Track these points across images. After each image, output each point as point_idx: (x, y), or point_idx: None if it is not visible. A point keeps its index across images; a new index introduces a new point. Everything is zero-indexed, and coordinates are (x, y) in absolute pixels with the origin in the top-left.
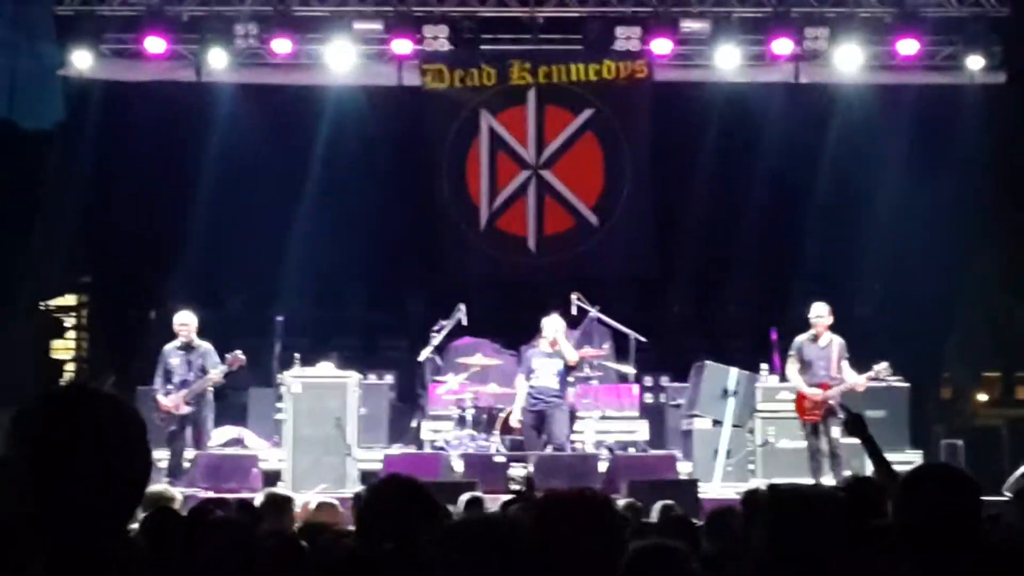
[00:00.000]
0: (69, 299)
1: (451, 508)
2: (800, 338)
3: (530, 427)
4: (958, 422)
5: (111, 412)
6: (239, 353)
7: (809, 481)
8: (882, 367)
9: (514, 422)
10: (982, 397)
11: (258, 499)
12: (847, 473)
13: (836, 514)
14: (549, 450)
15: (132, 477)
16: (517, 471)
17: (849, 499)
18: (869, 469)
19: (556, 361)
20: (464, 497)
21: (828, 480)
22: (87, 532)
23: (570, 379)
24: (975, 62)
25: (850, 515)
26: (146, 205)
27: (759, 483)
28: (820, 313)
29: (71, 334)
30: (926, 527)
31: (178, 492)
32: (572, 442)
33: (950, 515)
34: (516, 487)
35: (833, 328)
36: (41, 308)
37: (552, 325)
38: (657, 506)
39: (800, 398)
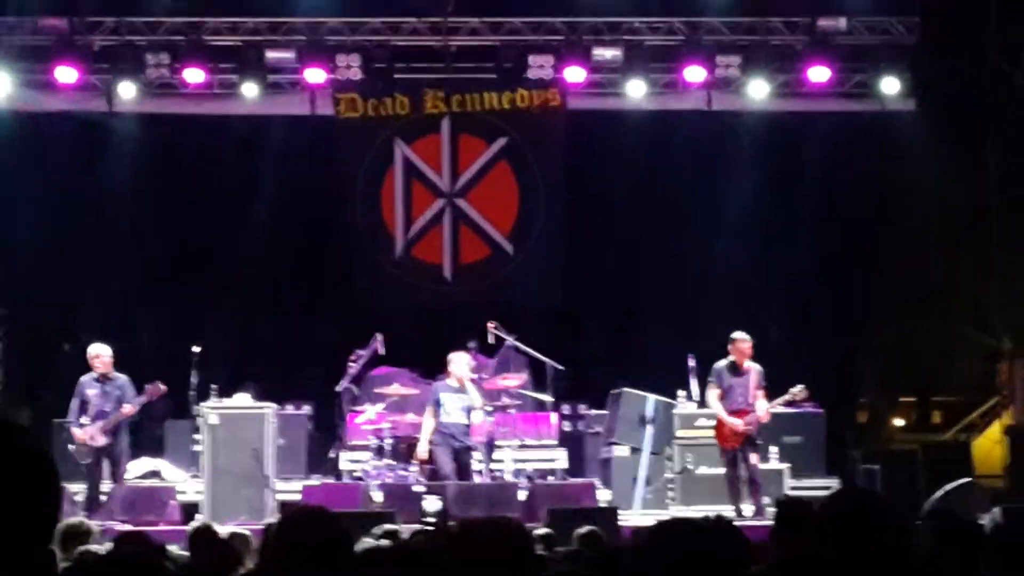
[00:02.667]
0: None
1: (368, 540)
2: (719, 365)
3: (445, 458)
4: (874, 447)
5: (14, 442)
6: (159, 383)
7: (728, 508)
8: (798, 389)
9: (422, 454)
10: (898, 422)
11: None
12: (766, 500)
13: (730, 543)
14: (480, 478)
15: (38, 508)
16: (432, 503)
17: (777, 521)
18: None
19: (463, 397)
20: (379, 529)
21: (747, 507)
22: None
23: (474, 418)
24: (889, 86)
25: (773, 539)
26: (58, 236)
27: (678, 511)
28: (745, 345)
29: None
30: (848, 552)
31: (95, 524)
32: (491, 471)
33: (870, 540)
34: (430, 520)
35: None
36: None
37: (459, 362)
38: (576, 533)
39: (720, 425)
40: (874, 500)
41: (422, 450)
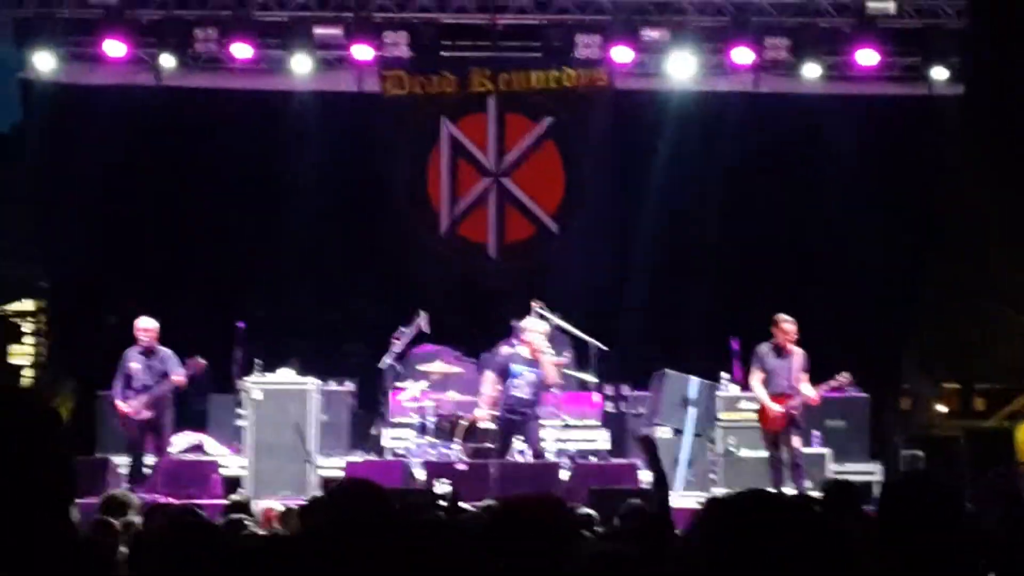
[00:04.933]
0: (27, 304)
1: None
2: (762, 348)
3: (505, 433)
4: (917, 433)
5: (20, 409)
6: (199, 358)
7: (771, 490)
8: (844, 377)
9: (484, 416)
10: (941, 408)
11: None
12: (808, 483)
13: (807, 520)
14: (522, 457)
15: (41, 471)
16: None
17: (827, 502)
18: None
19: (536, 371)
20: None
21: (789, 490)
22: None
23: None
24: (937, 73)
25: (827, 519)
26: (105, 209)
27: (720, 492)
28: (789, 327)
29: (29, 339)
30: (911, 529)
31: (138, 498)
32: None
33: (934, 519)
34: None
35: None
36: None
37: (535, 329)
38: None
39: (763, 408)
40: (937, 483)
41: (481, 414)
